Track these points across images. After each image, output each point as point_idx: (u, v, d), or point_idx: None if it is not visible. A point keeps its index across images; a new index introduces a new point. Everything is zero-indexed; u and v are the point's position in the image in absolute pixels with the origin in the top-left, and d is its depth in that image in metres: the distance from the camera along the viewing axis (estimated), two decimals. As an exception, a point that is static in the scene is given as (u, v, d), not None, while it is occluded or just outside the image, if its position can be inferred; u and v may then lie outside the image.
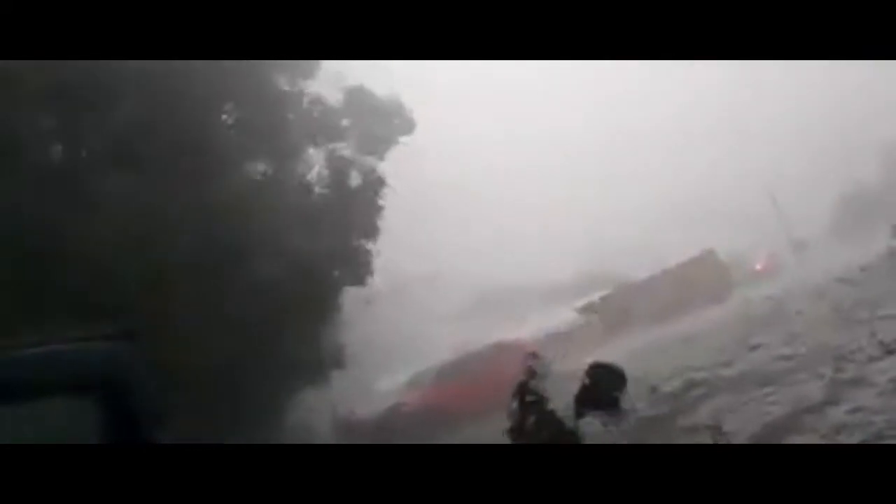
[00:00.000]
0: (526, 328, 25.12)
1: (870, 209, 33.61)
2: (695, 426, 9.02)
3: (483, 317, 29.03)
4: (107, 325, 2.84)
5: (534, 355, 7.73)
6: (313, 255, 17.64)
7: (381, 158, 19.91)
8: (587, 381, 6.58)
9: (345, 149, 19.57)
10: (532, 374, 7.61)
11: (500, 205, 34.56)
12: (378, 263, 19.66)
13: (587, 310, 27.90)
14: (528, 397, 7.30)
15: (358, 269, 19.45)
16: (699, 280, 27.22)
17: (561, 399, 7.55)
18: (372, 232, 19.56)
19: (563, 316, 26.63)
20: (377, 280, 19.92)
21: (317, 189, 19.36)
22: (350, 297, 19.48)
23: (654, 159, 39.24)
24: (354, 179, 19.67)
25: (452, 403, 19.32)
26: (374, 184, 19.75)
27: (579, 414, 6.84)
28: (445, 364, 22.20)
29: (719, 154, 39.17)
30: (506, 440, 7.27)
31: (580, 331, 23.43)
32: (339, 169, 19.43)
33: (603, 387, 6.50)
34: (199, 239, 14.77)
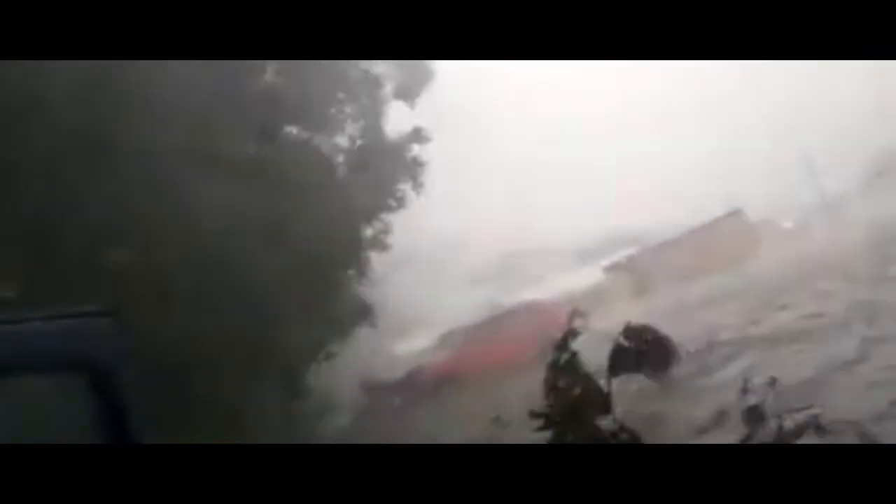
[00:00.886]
0: (551, 289, 25.05)
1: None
2: (723, 384, 8.94)
3: (508, 278, 28.96)
4: (90, 302, 2.65)
5: (576, 312, 7.58)
6: (343, 212, 17.62)
7: (416, 113, 19.70)
8: (623, 341, 6.47)
9: (378, 105, 19.35)
10: (573, 332, 7.49)
11: (524, 165, 34.28)
12: (405, 223, 19.58)
13: (613, 269, 27.76)
14: (564, 355, 7.19)
15: (386, 229, 19.42)
16: (727, 239, 26.91)
17: (593, 357, 7.43)
18: (403, 190, 19.47)
19: (589, 276, 26.52)
20: (403, 240, 19.87)
21: (348, 144, 19.26)
22: (376, 257, 19.46)
23: (680, 116, 38.63)
24: (390, 134, 19.54)
25: (477, 365, 19.32)
26: (409, 139, 19.58)
27: (613, 373, 6.74)
28: (471, 326, 22.19)
29: (748, 112, 38.43)
30: (539, 396, 7.20)
31: (607, 291, 23.32)
32: (372, 125, 19.29)
33: (639, 350, 6.41)
34: (228, 197, 14.73)
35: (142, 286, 13.33)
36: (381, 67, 18.95)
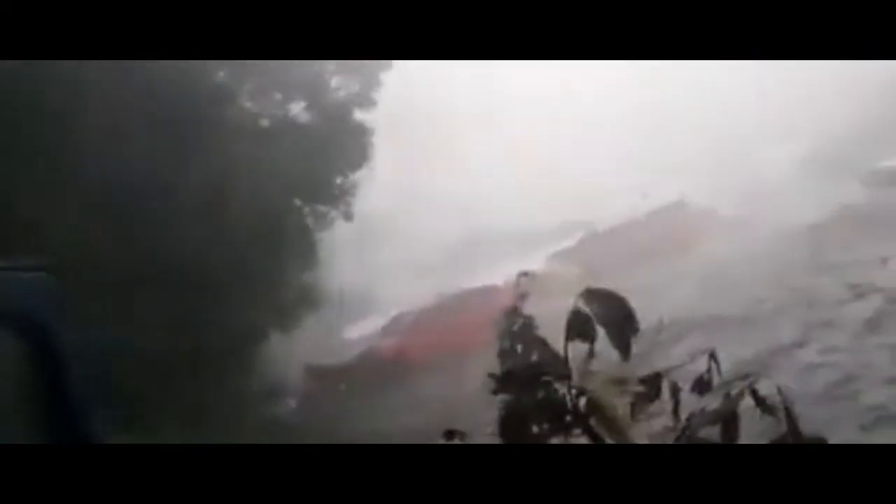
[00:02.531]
0: (500, 275, 25.15)
1: (841, 157, 33.78)
2: (669, 366, 9.05)
3: (457, 264, 28.98)
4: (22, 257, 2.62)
5: (525, 274, 7.47)
6: (289, 188, 17.34)
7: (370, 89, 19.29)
8: (582, 305, 6.32)
9: (330, 73, 18.90)
10: (523, 296, 7.39)
11: (477, 150, 34.30)
12: (354, 204, 19.32)
13: (561, 256, 27.99)
14: (517, 322, 7.08)
15: (333, 207, 19.11)
16: (672, 228, 27.35)
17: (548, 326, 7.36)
18: (352, 166, 19.10)
19: (538, 263, 26.70)
20: (351, 222, 19.67)
21: (297, 115, 18.80)
22: (323, 238, 19.25)
23: (628, 107, 39.07)
24: (339, 108, 19.09)
25: (426, 350, 19.30)
26: (354, 104, 19.15)
27: (570, 337, 6.54)
28: (420, 310, 22.16)
29: (682, 97, 39.05)
30: (495, 367, 7.12)
31: (555, 277, 23.51)
32: (322, 95, 18.86)
33: (599, 314, 6.27)
34: (172, 172, 14.46)
35: (77, 265, 13.02)
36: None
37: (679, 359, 6.40)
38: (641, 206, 29.86)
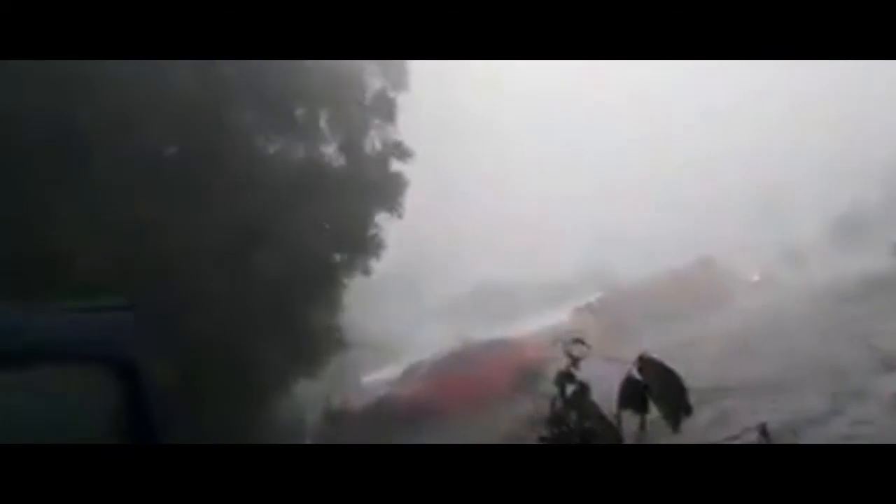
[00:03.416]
0: (521, 326, 25.05)
1: (868, 226, 33.63)
2: (692, 431, 8.94)
3: (478, 312, 28.95)
4: (107, 297, 2.70)
5: (578, 341, 7.37)
6: (317, 237, 17.35)
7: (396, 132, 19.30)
8: (635, 373, 6.29)
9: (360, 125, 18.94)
10: (575, 362, 7.28)
11: (501, 198, 34.45)
12: (381, 252, 19.30)
13: (584, 311, 27.83)
14: (570, 387, 6.98)
15: (360, 254, 19.07)
16: (697, 287, 27.15)
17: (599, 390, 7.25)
18: (383, 215, 19.09)
19: (560, 316, 26.56)
20: (375, 269, 19.64)
21: (331, 160, 18.82)
22: (348, 285, 19.23)
23: (655, 163, 39.16)
24: (370, 151, 19.10)
25: (445, 399, 19.17)
26: (389, 155, 19.14)
27: (622, 406, 6.46)
28: (439, 359, 22.05)
29: (722, 163, 39.08)
30: (540, 432, 6.99)
31: (579, 331, 23.38)
32: (358, 141, 18.88)
33: (652, 384, 6.23)
34: (199, 220, 14.54)
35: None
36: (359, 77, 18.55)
37: (703, 426, 6.29)
38: (670, 260, 29.71)
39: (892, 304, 17.08)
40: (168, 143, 15.03)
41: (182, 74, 13.96)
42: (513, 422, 12.10)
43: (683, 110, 39.28)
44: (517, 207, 34.69)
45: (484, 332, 24.17)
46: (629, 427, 5.60)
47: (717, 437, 5.08)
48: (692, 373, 14.32)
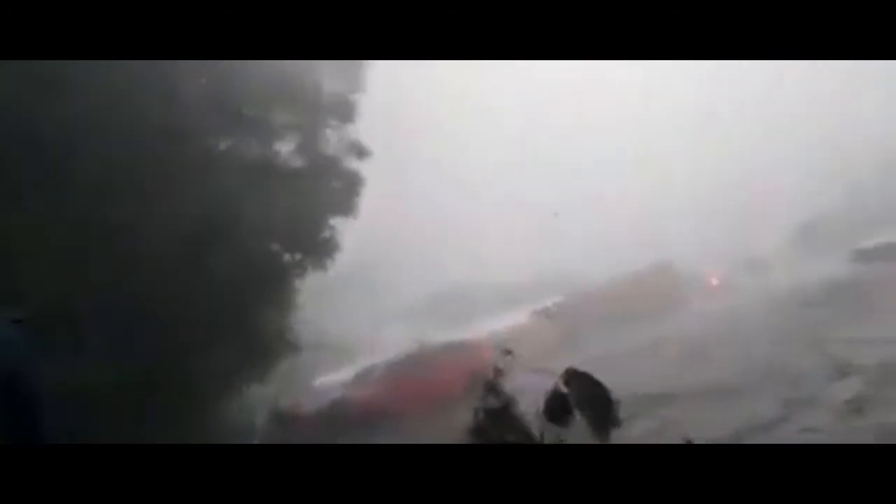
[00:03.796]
0: (478, 329, 24.87)
1: (830, 233, 34.04)
2: (647, 436, 8.78)
3: (434, 315, 28.73)
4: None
5: (508, 352, 7.18)
6: (271, 235, 16.98)
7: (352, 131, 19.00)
8: (562, 386, 6.09)
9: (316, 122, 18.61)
10: (501, 373, 7.10)
11: (459, 200, 34.32)
12: (335, 252, 18.97)
13: (542, 314, 27.69)
14: (493, 399, 6.79)
15: (314, 255, 18.71)
16: (655, 291, 27.17)
17: (524, 402, 7.10)
18: (338, 215, 18.76)
19: (517, 319, 26.42)
20: (331, 270, 19.30)
21: (283, 159, 18.46)
22: (300, 286, 18.87)
23: (615, 167, 39.29)
24: (331, 155, 18.78)
25: (399, 401, 18.89)
26: (346, 154, 18.82)
27: (548, 419, 6.30)
28: (393, 361, 21.76)
29: (683, 168, 39.35)
30: (466, 440, 6.79)
31: (534, 336, 23.24)
32: (314, 140, 18.54)
33: (578, 398, 6.02)
34: (149, 221, 14.12)
35: (46, 307, 12.64)
36: (314, 76, 18.24)
37: (653, 432, 6.11)
38: (628, 265, 29.69)
39: (849, 310, 17.16)
40: (117, 146, 14.56)
41: (132, 73, 13.52)
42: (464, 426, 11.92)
43: (643, 114, 39.49)
44: (475, 210, 34.61)
45: (440, 334, 23.91)
46: (553, 440, 5.39)
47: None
48: (646, 378, 14.29)
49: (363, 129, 18.98)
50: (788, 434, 8.97)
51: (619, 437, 5.18)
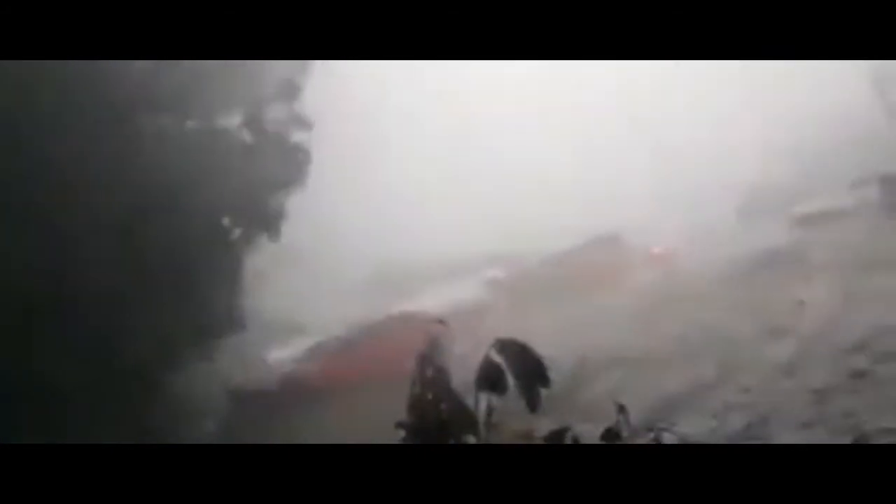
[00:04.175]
0: (426, 302, 24.98)
1: (772, 200, 34.76)
2: (593, 401, 9.03)
3: (382, 289, 28.77)
4: None
5: (440, 322, 7.31)
6: (215, 211, 16.84)
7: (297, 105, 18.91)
8: (494, 356, 6.21)
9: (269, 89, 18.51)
10: (435, 344, 7.23)
11: (403, 175, 34.27)
12: (279, 224, 18.89)
13: (490, 285, 27.92)
14: (429, 370, 6.91)
15: (260, 229, 18.62)
16: (600, 261, 27.55)
17: (463, 373, 7.27)
18: (284, 188, 18.70)
19: (466, 291, 26.60)
20: (278, 244, 19.23)
21: (226, 135, 18.29)
22: (247, 261, 18.78)
23: (561, 138, 39.54)
24: (267, 123, 18.69)
25: (350, 375, 18.99)
26: (289, 126, 18.76)
27: (480, 388, 6.44)
28: (344, 336, 21.83)
29: (624, 137, 39.76)
30: (404, 416, 6.95)
31: (482, 307, 23.48)
32: (258, 111, 18.43)
33: (511, 365, 6.17)
34: (85, 182, 13.90)
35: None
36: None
37: (596, 400, 6.35)
38: (576, 238, 30.01)
39: (786, 275, 17.63)
40: (58, 122, 14.27)
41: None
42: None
43: (592, 90, 39.73)
44: (420, 183, 34.58)
45: (389, 307, 23.99)
46: (485, 410, 5.54)
47: (598, 414, 5.08)
48: (588, 346, 14.63)
49: (307, 103, 18.93)
50: (727, 395, 9.31)
51: (551, 398, 5.37)
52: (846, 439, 7.56)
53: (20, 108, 13.63)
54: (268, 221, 18.63)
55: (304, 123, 18.87)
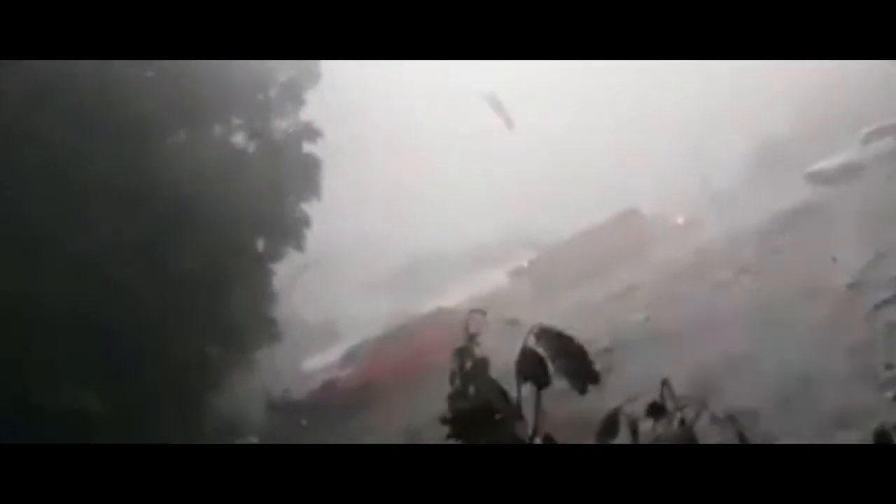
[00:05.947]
0: (455, 295, 25.08)
1: (782, 159, 34.46)
2: (633, 379, 9.04)
3: (411, 286, 28.95)
4: None
5: (479, 312, 7.27)
6: (237, 224, 17.01)
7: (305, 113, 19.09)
8: (533, 345, 6.17)
9: (268, 101, 18.68)
10: (472, 336, 7.19)
11: (416, 172, 34.30)
12: (303, 232, 19.06)
13: (516, 274, 28.00)
14: (468, 363, 6.87)
15: (284, 238, 18.81)
16: (623, 237, 27.45)
17: (502, 364, 7.29)
18: (303, 197, 18.86)
19: (493, 281, 26.71)
20: (303, 251, 19.41)
21: (240, 148, 18.48)
22: (276, 271, 18.96)
23: (573, 122, 39.39)
24: (277, 133, 18.88)
25: (388, 377, 19.10)
26: (300, 136, 18.94)
27: (522, 377, 6.37)
28: (378, 338, 21.96)
29: (635, 111, 39.52)
30: (446, 409, 6.94)
31: (511, 295, 23.55)
32: (262, 125, 18.60)
33: (551, 352, 6.14)
34: (117, 213, 14.08)
35: (15, 308, 12.64)
36: (267, 68, 18.27)
37: (636, 379, 6.38)
38: (594, 218, 29.92)
39: (813, 234, 17.47)
40: (73, 140, 14.44)
41: (82, 70, 13.43)
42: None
43: (601, 69, 39.51)
44: (435, 178, 34.60)
45: (420, 305, 24.13)
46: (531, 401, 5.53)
47: (641, 392, 5.07)
48: (621, 323, 14.60)
49: (316, 109, 19.06)
50: (767, 366, 9.28)
51: (601, 382, 5.37)
52: (891, 392, 7.57)
53: (39, 134, 13.82)
54: (291, 230, 18.81)
55: (312, 132, 19.03)
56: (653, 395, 5.56)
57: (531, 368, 6.30)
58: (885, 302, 10.05)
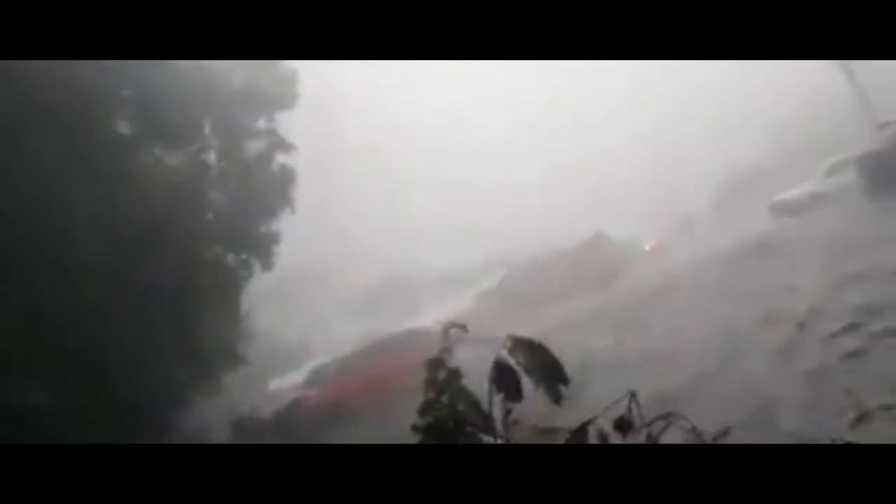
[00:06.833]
0: (425, 317, 25.14)
1: (753, 187, 35.04)
2: (602, 396, 9.17)
3: (381, 307, 28.92)
4: None
5: (459, 327, 7.31)
6: (207, 240, 16.97)
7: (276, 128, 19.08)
8: (506, 356, 6.24)
9: (238, 117, 18.65)
10: (447, 349, 7.24)
11: (389, 191, 34.41)
12: (273, 250, 19.02)
13: (486, 296, 28.15)
14: (441, 373, 6.92)
15: (256, 257, 18.76)
16: (592, 262, 27.78)
17: (475, 376, 7.34)
18: (272, 213, 18.83)
19: (463, 302, 26.81)
20: (274, 269, 19.37)
21: (212, 164, 18.44)
22: (244, 288, 18.89)
23: (545, 145, 39.77)
24: (249, 152, 18.86)
25: (354, 396, 19.08)
26: (273, 155, 18.94)
27: (495, 389, 6.44)
28: (346, 357, 21.92)
29: (611, 136, 40.02)
30: (418, 420, 6.97)
31: (480, 317, 23.66)
32: (233, 141, 18.58)
33: (524, 363, 6.22)
34: (80, 225, 14.01)
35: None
36: (239, 77, 18.29)
37: (603, 397, 6.50)
38: (565, 241, 30.24)
39: (773, 262, 17.83)
40: (44, 156, 14.39)
41: (57, 79, 13.41)
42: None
43: (573, 94, 39.97)
44: (412, 199, 34.73)
45: (389, 325, 24.13)
46: (503, 408, 5.63)
47: (612, 413, 5.23)
48: (587, 346, 14.77)
49: (289, 125, 19.09)
50: (730, 383, 9.49)
51: (570, 399, 5.52)
52: (850, 417, 7.79)
53: (7, 154, 13.73)
54: (259, 248, 18.76)
55: (286, 147, 19.06)
56: (620, 413, 5.69)
57: (504, 380, 6.38)
58: (843, 329, 10.31)
